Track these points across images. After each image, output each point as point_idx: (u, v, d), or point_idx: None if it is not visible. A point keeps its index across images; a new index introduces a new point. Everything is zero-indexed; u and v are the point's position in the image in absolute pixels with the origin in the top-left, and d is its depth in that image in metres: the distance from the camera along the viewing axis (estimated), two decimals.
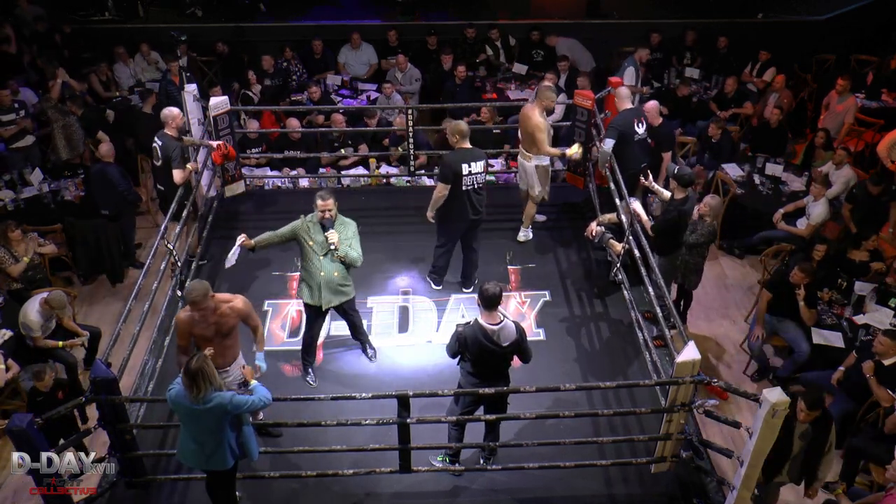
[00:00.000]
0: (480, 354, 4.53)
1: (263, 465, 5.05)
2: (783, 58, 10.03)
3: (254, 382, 4.33)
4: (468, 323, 4.61)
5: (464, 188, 5.99)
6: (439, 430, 5.06)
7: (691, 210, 5.99)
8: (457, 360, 4.78)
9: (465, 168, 5.92)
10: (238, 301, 4.78)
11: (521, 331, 4.62)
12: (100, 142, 8.09)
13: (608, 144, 6.60)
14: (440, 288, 6.57)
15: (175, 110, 6.67)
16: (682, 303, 6.81)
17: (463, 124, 6.05)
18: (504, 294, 6.43)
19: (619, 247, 6.24)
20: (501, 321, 4.52)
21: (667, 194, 6.30)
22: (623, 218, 6.12)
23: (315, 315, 5.51)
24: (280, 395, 5.03)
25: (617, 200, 6.26)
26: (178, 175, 6.53)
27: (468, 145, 6.05)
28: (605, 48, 11.00)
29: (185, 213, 6.51)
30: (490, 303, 4.49)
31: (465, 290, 6.57)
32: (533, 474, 4.94)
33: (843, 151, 7.86)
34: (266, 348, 5.96)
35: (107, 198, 7.62)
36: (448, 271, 6.59)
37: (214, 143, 6.97)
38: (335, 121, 8.35)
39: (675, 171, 6.04)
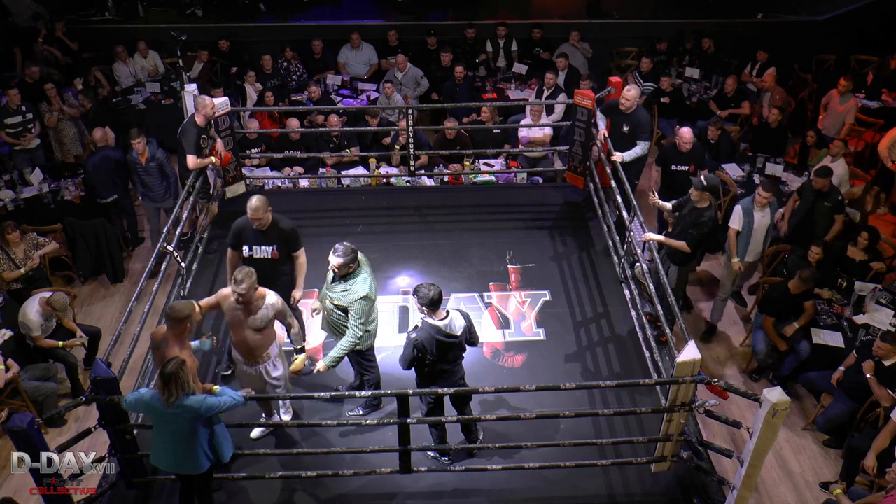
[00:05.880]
0: (441, 351, 4.57)
1: (264, 466, 5.05)
2: (783, 58, 10.03)
3: (217, 388, 4.30)
4: (416, 327, 4.62)
5: None
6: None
7: (716, 217, 6.04)
8: (412, 369, 4.75)
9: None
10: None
11: (465, 314, 4.72)
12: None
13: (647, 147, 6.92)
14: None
15: (207, 99, 6.77)
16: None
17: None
18: (504, 293, 6.53)
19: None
20: (447, 314, 4.60)
21: (669, 206, 6.35)
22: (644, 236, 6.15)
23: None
24: (280, 395, 5.08)
25: (636, 234, 6.17)
26: (190, 161, 6.64)
27: None
28: (606, 48, 11.02)
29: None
30: (435, 305, 4.55)
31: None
32: (533, 474, 4.94)
33: (841, 143, 7.83)
34: None
35: (109, 184, 7.71)
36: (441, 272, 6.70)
37: (219, 145, 6.98)
38: (330, 122, 8.35)
39: (700, 179, 6.00)
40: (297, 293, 5.60)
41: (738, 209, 6.66)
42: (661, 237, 6.19)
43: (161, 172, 7.58)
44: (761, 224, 6.64)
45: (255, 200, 5.33)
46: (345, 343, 4.92)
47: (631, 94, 6.94)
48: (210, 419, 4.21)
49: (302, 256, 5.56)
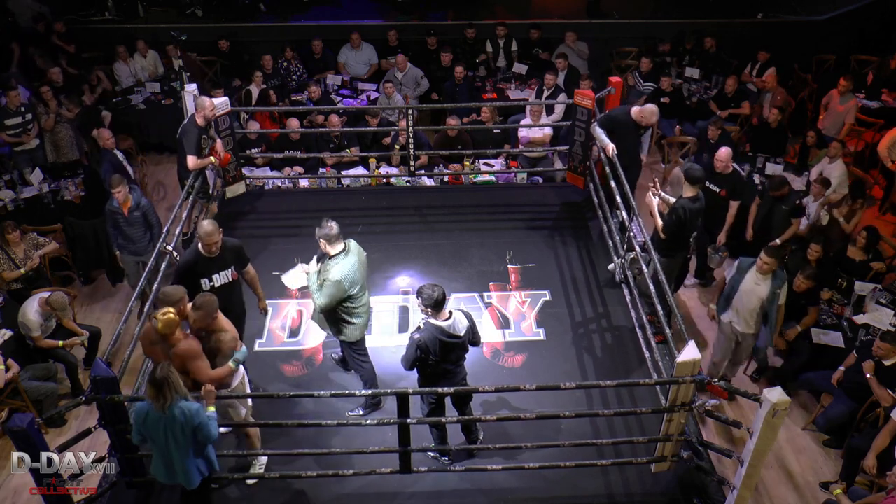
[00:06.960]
0: (444, 352, 4.57)
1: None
2: (783, 58, 10.03)
3: (211, 409, 4.27)
4: (419, 328, 4.61)
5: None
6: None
7: (701, 209, 5.97)
8: (414, 369, 4.74)
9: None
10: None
11: (468, 315, 4.72)
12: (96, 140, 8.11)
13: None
14: None
15: (207, 101, 6.74)
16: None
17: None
18: (504, 293, 6.53)
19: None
20: (450, 315, 4.60)
21: (672, 200, 6.32)
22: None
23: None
24: (279, 395, 5.08)
25: (636, 234, 6.05)
26: (191, 161, 6.63)
27: None
28: (605, 48, 11.01)
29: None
30: (439, 306, 4.54)
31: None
32: (533, 474, 4.94)
33: (839, 144, 7.84)
34: (266, 349, 6.05)
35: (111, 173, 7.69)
36: (441, 272, 6.70)
37: (218, 145, 6.98)
38: (331, 122, 8.36)
39: (686, 168, 6.01)
40: (263, 303, 5.68)
41: (735, 262, 6.06)
42: (655, 207, 6.08)
43: (145, 222, 6.79)
44: (752, 291, 5.76)
45: (207, 225, 5.04)
46: (314, 298, 4.97)
47: (654, 119, 6.79)
48: (200, 439, 4.21)
49: (252, 269, 5.49)
